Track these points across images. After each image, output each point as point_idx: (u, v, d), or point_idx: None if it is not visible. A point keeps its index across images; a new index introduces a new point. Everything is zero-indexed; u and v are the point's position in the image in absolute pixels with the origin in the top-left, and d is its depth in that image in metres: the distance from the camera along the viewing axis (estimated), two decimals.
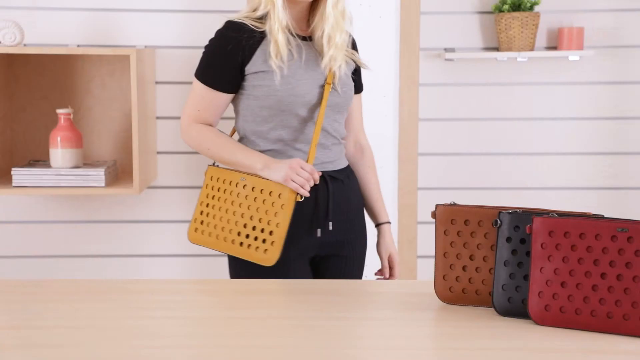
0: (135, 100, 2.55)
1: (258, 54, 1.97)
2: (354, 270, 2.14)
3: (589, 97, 3.06)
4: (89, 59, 2.82)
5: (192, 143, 2.07)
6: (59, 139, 2.61)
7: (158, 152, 2.91)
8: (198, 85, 2.03)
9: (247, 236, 1.96)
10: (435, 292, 1.60)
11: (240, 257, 1.97)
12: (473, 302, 1.57)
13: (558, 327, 1.44)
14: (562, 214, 1.48)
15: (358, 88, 2.19)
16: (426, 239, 3.03)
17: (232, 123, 2.18)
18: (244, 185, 1.98)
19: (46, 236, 2.91)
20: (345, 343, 1.40)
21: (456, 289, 1.58)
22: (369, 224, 2.24)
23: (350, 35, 2.13)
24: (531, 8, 2.94)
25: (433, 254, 1.63)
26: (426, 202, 3.04)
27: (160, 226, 2.95)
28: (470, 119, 3.07)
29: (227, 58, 1.98)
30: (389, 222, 2.24)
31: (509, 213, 1.51)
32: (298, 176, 1.93)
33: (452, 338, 1.43)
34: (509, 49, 2.94)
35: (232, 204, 2.00)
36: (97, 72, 2.83)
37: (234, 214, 1.99)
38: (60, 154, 2.61)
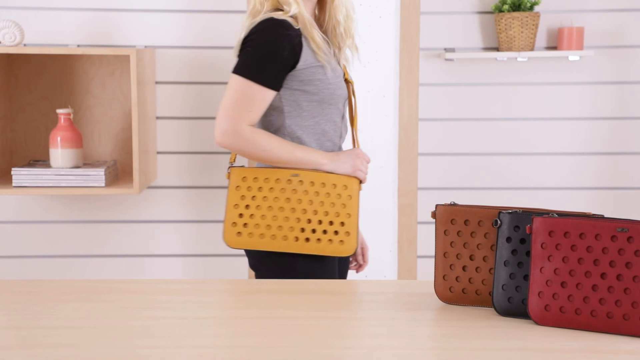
0: (135, 100, 2.55)
1: (305, 49, 1.97)
2: (347, 265, 2.18)
3: (589, 97, 3.06)
4: (89, 59, 2.82)
5: (244, 146, 1.95)
6: (59, 139, 2.61)
7: (158, 152, 2.92)
8: (248, 84, 1.94)
9: (314, 231, 1.97)
10: (435, 292, 1.60)
11: (310, 252, 1.97)
12: (473, 302, 1.57)
13: (558, 327, 1.44)
14: (562, 214, 1.48)
15: None
16: (426, 239, 3.03)
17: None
18: (300, 181, 1.97)
19: (46, 236, 2.91)
20: (345, 343, 1.40)
21: (456, 289, 1.58)
22: None
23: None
24: (531, 8, 2.94)
25: (433, 254, 1.63)
26: (426, 202, 3.04)
27: (160, 226, 2.95)
28: (470, 119, 3.07)
29: (283, 55, 1.94)
30: None
31: (509, 213, 1.51)
32: (363, 166, 2.03)
33: (452, 338, 1.43)
34: (509, 49, 2.94)
35: (287, 201, 1.97)
36: (97, 72, 2.83)
37: (292, 211, 1.96)
38: (60, 154, 2.61)
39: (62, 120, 2.62)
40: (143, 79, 2.65)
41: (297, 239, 1.96)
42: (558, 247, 1.44)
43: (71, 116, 2.64)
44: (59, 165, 2.62)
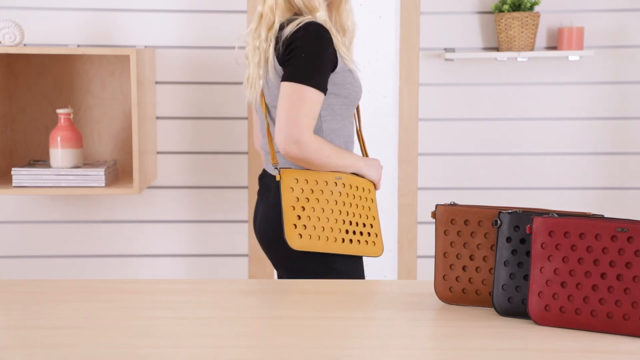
0: (135, 100, 2.55)
1: (339, 53, 2.01)
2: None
3: (589, 97, 3.06)
4: (89, 59, 2.82)
5: (310, 154, 1.95)
6: (59, 139, 2.61)
7: (158, 152, 2.92)
8: (309, 91, 1.93)
9: (354, 232, 2.03)
10: (435, 292, 1.60)
11: (353, 254, 2.03)
12: (473, 302, 1.57)
13: (558, 327, 1.44)
14: (562, 214, 1.48)
15: None
16: (426, 239, 3.03)
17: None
18: (343, 184, 2.02)
19: (46, 236, 2.91)
20: (345, 343, 1.40)
21: (456, 289, 1.58)
22: None
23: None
24: (531, 8, 2.94)
25: (433, 254, 1.63)
26: (426, 202, 3.04)
27: (160, 226, 2.95)
28: (470, 119, 3.07)
29: (330, 59, 1.97)
30: None
31: (509, 213, 1.51)
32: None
33: (452, 338, 1.43)
34: (509, 49, 2.94)
35: (335, 204, 2.01)
36: (97, 72, 2.83)
37: (340, 213, 2.01)
38: (60, 154, 2.61)
39: (62, 120, 2.62)
40: (143, 79, 2.65)
41: (343, 240, 2.01)
42: (558, 247, 1.44)
43: (71, 116, 2.64)
44: (59, 165, 2.62)
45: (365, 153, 2.22)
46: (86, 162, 2.78)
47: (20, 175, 2.59)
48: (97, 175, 2.61)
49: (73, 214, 2.91)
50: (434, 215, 1.60)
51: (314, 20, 1.96)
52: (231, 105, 2.90)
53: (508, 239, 1.50)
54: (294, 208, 1.97)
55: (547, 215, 1.46)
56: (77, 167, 2.64)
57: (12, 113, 2.83)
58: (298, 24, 1.94)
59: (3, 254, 2.92)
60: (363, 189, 2.06)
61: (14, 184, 2.59)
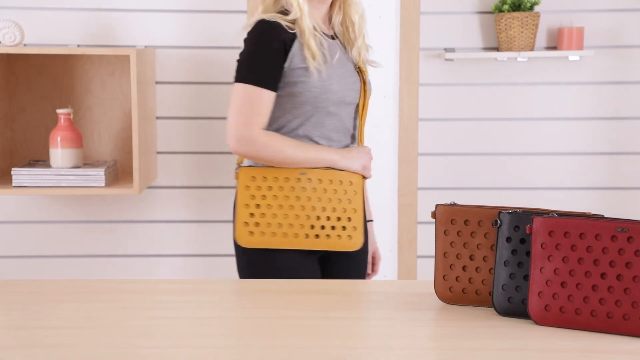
0: (135, 100, 2.55)
1: (294, 52, 1.98)
2: (359, 267, 2.17)
3: (589, 97, 3.05)
4: (89, 59, 2.82)
5: (261, 151, 1.98)
6: (59, 139, 2.61)
7: (158, 152, 2.92)
8: (249, 89, 1.96)
9: (323, 227, 2.00)
10: (435, 292, 1.60)
11: (321, 249, 2.01)
12: (473, 302, 1.57)
13: (558, 327, 1.44)
14: (562, 214, 1.48)
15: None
16: (426, 239, 3.03)
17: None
18: (309, 179, 2.00)
19: (46, 236, 2.91)
20: (345, 343, 1.40)
21: (456, 289, 1.58)
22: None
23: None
24: (531, 8, 2.94)
25: (433, 254, 1.63)
26: (426, 202, 3.04)
27: (160, 226, 2.95)
28: (470, 119, 3.07)
29: (274, 55, 1.97)
30: (372, 220, 2.31)
31: (509, 213, 1.51)
32: (370, 164, 2.09)
33: (452, 338, 1.43)
34: (509, 49, 2.94)
35: (297, 199, 2.00)
36: (97, 72, 2.83)
37: (302, 209, 2.00)
38: (60, 154, 2.61)
39: (62, 120, 2.62)
40: (143, 79, 2.65)
41: (307, 235, 2.00)
42: (558, 247, 1.44)
43: (71, 116, 2.64)
44: (59, 165, 2.62)
45: None
46: (86, 162, 2.78)
47: (20, 175, 2.59)
48: (97, 175, 2.61)
49: (73, 214, 2.91)
50: (434, 215, 1.60)
51: (265, 18, 1.98)
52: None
53: (508, 239, 1.50)
54: (247, 206, 2.00)
55: (547, 215, 1.46)
56: (77, 167, 2.64)
57: (12, 113, 2.83)
58: (252, 24, 1.99)
59: (3, 254, 2.92)
60: (340, 182, 2.02)
61: (14, 184, 2.59)
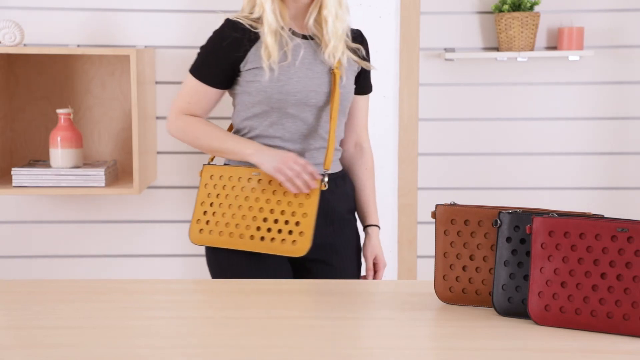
0: (135, 100, 2.55)
1: (252, 51, 2.00)
2: (341, 276, 2.10)
3: (589, 97, 3.06)
4: (89, 59, 2.82)
5: (179, 133, 2.08)
6: (59, 139, 2.61)
7: (158, 152, 2.92)
8: (191, 80, 2.07)
9: (269, 230, 1.96)
10: (435, 292, 1.60)
11: (264, 252, 1.97)
12: (473, 302, 1.57)
13: (558, 327, 1.44)
14: (562, 214, 1.48)
15: (365, 89, 2.19)
16: (426, 239, 3.03)
17: (227, 123, 2.18)
18: (259, 180, 1.97)
19: (46, 236, 2.91)
20: (345, 343, 1.40)
21: (456, 289, 1.58)
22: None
23: (350, 29, 2.12)
24: (531, 8, 2.94)
25: (433, 254, 1.63)
26: (426, 202, 3.04)
27: (160, 226, 2.95)
28: (470, 119, 3.07)
29: (222, 55, 2.02)
30: (377, 226, 2.22)
31: (509, 213, 1.51)
32: (288, 169, 1.94)
33: (452, 338, 1.43)
34: (509, 49, 2.94)
35: (245, 200, 1.98)
36: (97, 72, 2.83)
37: (249, 209, 1.97)
38: (60, 154, 2.61)
39: (62, 120, 2.62)
40: (143, 79, 2.65)
41: (252, 237, 1.96)
42: (558, 247, 1.44)
43: (71, 116, 2.64)
44: (59, 165, 2.62)
45: None
46: (86, 162, 2.78)
47: (20, 175, 2.59)
48: (97, 175, 2.61)
49: (73, 214, 2.91)
50: (434, 215, 1.60)
51: (229, 17, 2.05)
52: (231, 105, 2.89)
53: (508, 239, 1.50)
54: (203, 204, 2.03)
55: (547, 215, 1.46)
56: (77, 167, 2.64)
57: (12, 113, 2.83)
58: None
59: (3, 254, 2.92)
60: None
61: (14, 184, 2.59)
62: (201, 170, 2.08)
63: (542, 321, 1.45)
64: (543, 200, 3.05)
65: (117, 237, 2.93)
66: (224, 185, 2.02)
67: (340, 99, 2.04)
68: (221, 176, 2.02)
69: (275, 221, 1.96)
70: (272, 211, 1.96)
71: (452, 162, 3.09)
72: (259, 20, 2.01)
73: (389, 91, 2.85)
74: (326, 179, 1.98)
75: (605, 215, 1.50)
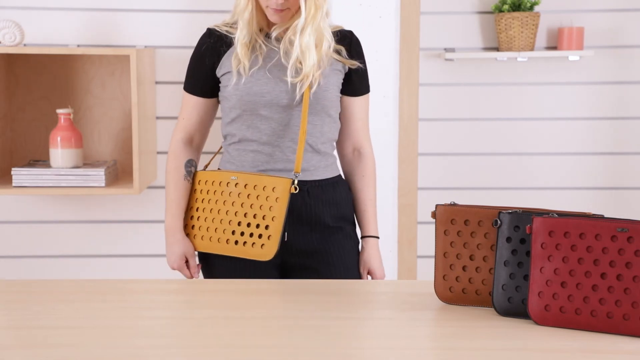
0: (135, 100, 2.55)
1: (225, 57, 2.02)
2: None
3: (589, 97, 3.06)
4: (89, 59, 2.82)
5: (167, 158, 2.13)
6: (59, 139, 2.61)
7: (158, 152, 2.91)
8: (183, 95, 2.11)
9: (242, 234, 1.97)
10: (435, 292, 1.60)
11: (237, 255, 1.97)
12: (473, 302, 1.57)
13: (558, 327, 1.44)
14: (562, 214, 1.48)
15: (357, 90, 2.11)
16: (426, 239, 3.03)
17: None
18: (236, 184, 1.99)
19: (46, 236, 2.91)
20: (345, 343, 1.40)
21: (456, 289, 1.58)
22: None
23: (340, 30, 2.08)
24: (531, 8, 2.94)
25: (433, 254, 1.63)
26: (426, 202, 3.04)
27: (161, 226, 2.94)
28: (470, 119, 3.07)
29: (201, 63, 2.05)
30: (374, 237, 2.15)
31: (509, 213, 1.51)
32: (173, 264, 2.10)
33: (452, 338, 1.43)
34: (509, 49, 2.94)
35: (224, 204, 2.00)
36: (97, 72, 2.83)
37: (227, 214, 1.99)
38: (60, 154, 2.61)
39: (62, 120, 2.62)
40: (143, 79, 2.65)
41: (227, 241, 1.99)
42: (558, 247, 1.44)
43: (71, 116, 2.64)
44: (59, 165, 2.62)
45: None
46: (86, 162, 2.78)
47: (20, 175, 2.59)
48: (97, 175, 2.61)
49: (73, 214, 2.91)
50: (434, 215, 1.60)
51: (209, 26, 2.08)
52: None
53: (508, 239, 1.50)
54: (191, 209, 2.08)
55: (547, 215, 1.46)
56: (77, 167, 2.64)
57: (12, 113, 2.83)
58: None
59: (3, 254, 2.92)
60: (264, 187, 1.95)
61: (14, 184, 2.59)
62: (194, 176, 2.11)
63: (542, 321, 1.45)
64: (543, 200, 3.05)
65: (117, 237, 2.93)
66: (209, 191, 2.04)
67: (316, 98, 1.99)
68: (207, 181, 2.06)
69: (248, 225, 1.96)
70: (245, 215, 1.97)
71: (452, 162, 3.09)
72: (233, 26, 2.04)
73: (389, 91, 2.85)
74: (296, 182, 1.95)
75: (605, 215, 1.50)
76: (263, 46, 2.00)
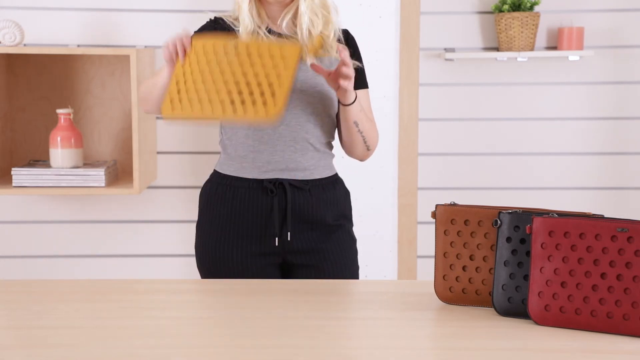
0: (136, 100, 2.55)
1: None
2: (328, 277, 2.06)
3: (589, 97, 3.06)
4: (89, 59, 2.82)
5: (141, 96, 2.04)
6: (59, 139, 2.61)
7: (158, 152, 2.92)
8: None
9: (240, 93, 1.77)
10: (435, 292, 1.60)
11: (233, 119, 1.81)
12: (473, 302, 1.57)
13: (558, 327, 1.44)
14: (562, 214, 1.48)
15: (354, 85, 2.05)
16: (426, 239, 3.03)
17: None
18: (236, 47, 1.80)
19: (46, 236, 2.91)
20: (345, 343, 1.40)
21: (456, 289, 1.58)
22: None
23: (339, 30, 2.07)
24: (531, 8, 2.94)
25: (433, 254, 1.63)
26: (426, 202, 3.04)
27: (160, 226, 2.95)
28: (471, 119, 3.07)
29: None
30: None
31: (509, 213, 1.51)
32: (170, 42, 1.85)
33: (452, 338, 1.43)
34: (509, 49, 2.95)
35: (218, 65, 1.80)
36: (97, 72, 2.83)
37: (222, 75, 1.79)
38: (60, 154, 2.61)
39: (62, 120, 2.62)
40: (143, 79, 2.65)
41: (222, 102, 1.77)
42: (558, 247, 1.44)
43: (71, 116, 2.64)
44: (59, 165, 2.62)
45: None
46: (86, 162, 2.78)
47: (20, 175, 2.59)
48: (97, 175, 2.61)
49: (73, 214, 2.91)
50: (434, 215, 1.60)
51: (214, 16, 2.06)
52: None
53: (508, 239, 1.50)
54: (176, 76, 1.84)
55: (547, 215, 1.46)
56: (77, 167, 2.64)
57: (12, 113, 2.83)
58: None
59: (3, 254, 2.92)
60: (272, 56, 1.78)
61: (14, 184, 2.59)
62: (189, 50, 1.85)
63: (542, 321, 1.45)
64: (543, 200, 3.05)
65: (117, 237, 2.93)
66: (199, 61, 1.83)
67: (312, 96, 1.99)
68: (199, 52, 1.84)
69: (247, 84, 1.77)
70: (244, 74, 1.78)
71: (452, 162, 3.09)
72: (237, 19, 2.02)
73: (389, 91, 2.85)
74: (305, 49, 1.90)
75: (605, 215, 1.50)
76: (264, 38, 1.98)
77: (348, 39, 2.10)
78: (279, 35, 2.02)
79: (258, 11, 2.01)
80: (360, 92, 2.10)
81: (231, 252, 2.01)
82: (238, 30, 2.00)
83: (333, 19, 2.02)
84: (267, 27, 2.03)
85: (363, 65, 2.11)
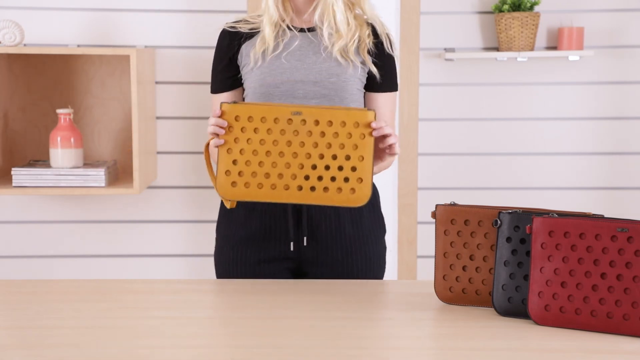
0: (135, 100, 2.55)
1: (245, 45, 1.98)
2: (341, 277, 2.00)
3: (589, 97, 3.06)
4: (89, 59, 2.82)
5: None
6: (59, 139, 2.61)
7: (158, 152, 2.92)
8: (211, 97, 2.05)
9: (320, 178, 1.70)
10: (435, 292, 1.60)
11: (314, 203, 1.73)
12: (473, 302, 1.57)
13: (558, 327, 1.44)
14: (562, 214, 1.48)
15: (378, 86, 2.01)
16: (426, 239, 3.03)
17: None
18: (302, 120, 1.69)
19: (46, 236, 2.91)
20: (345, 343, 1.40)
21: (456, 289, 1.58)
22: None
23: (382, 25, 2.08)
24: (531, 8, 2.94)
25: (433, 254, 1.63)
26: (426, 202, 3.04)
27: (160, 226, 2.95)
28: (471, 119, 3.07)
29: (218, 59, 2.02)
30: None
31: (509, 213, 1.51)
32: (210, 126, 1.74)
33: (452, 338, 1.43)
34: (509, 49, 2.94)
35: (287, 145, 1.70)
36: (97, 72, 2.83)
37: (293, 156, 1.70)
38: (60, 154, 2.61)
39: (62, 120, 2.62)
40: (143, 79, 2.65)
41: (300, 188, 1.71)
42: (558, 247, 1.44)
43: (71, 116, 2.64)
44: (59, 165, 2.62)
45: None
46: (86, 162, 2.78)
47: (20, 175, 2.59)
48: (97, 175, 2.61)
49: (73, 214, 2.91)
50: (434, 215, 1.60)
51: (225, 26, 2.02)
52: None
53: (508, 239, 1.50)
54: (230, 151, 1.72)
55: (547, 215, 1.46)
56: (77, 167, 2.64)
57: (12, 113, 2.83)
58: None
59: (3, 254, 2.92)
60: (343, 122, 1.70)
61: (14, 184, 2.59)
62: (221, 111, 1.73)
63: (542, 321, 1.45)
64: (543, 200, 3.05)
65: (117, 237, 2.93)
66: (256, 128, 1.71)
67: (327, 89, 1.94)
68: (250, 117, 1.71)
69: (326, 168, 1.70)
70: (321, 156, 1.70)
71: (452, 162, 3.09)
72: (259, 17, 2.01)
73: None
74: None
75: (605, 215, 1.50)
76: (286, 33, 1.97)
77: (375, 35, 2.08)
78: (302, 30, 2.00)
79: (284, 3, 1.99)
80: (380, 96, 2.03)
81: (245, 256, 1.95)
82: (252, 31, 1.98)
83: (368, 12, 2.06)
84: (290, 22, 1.99)
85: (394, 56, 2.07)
